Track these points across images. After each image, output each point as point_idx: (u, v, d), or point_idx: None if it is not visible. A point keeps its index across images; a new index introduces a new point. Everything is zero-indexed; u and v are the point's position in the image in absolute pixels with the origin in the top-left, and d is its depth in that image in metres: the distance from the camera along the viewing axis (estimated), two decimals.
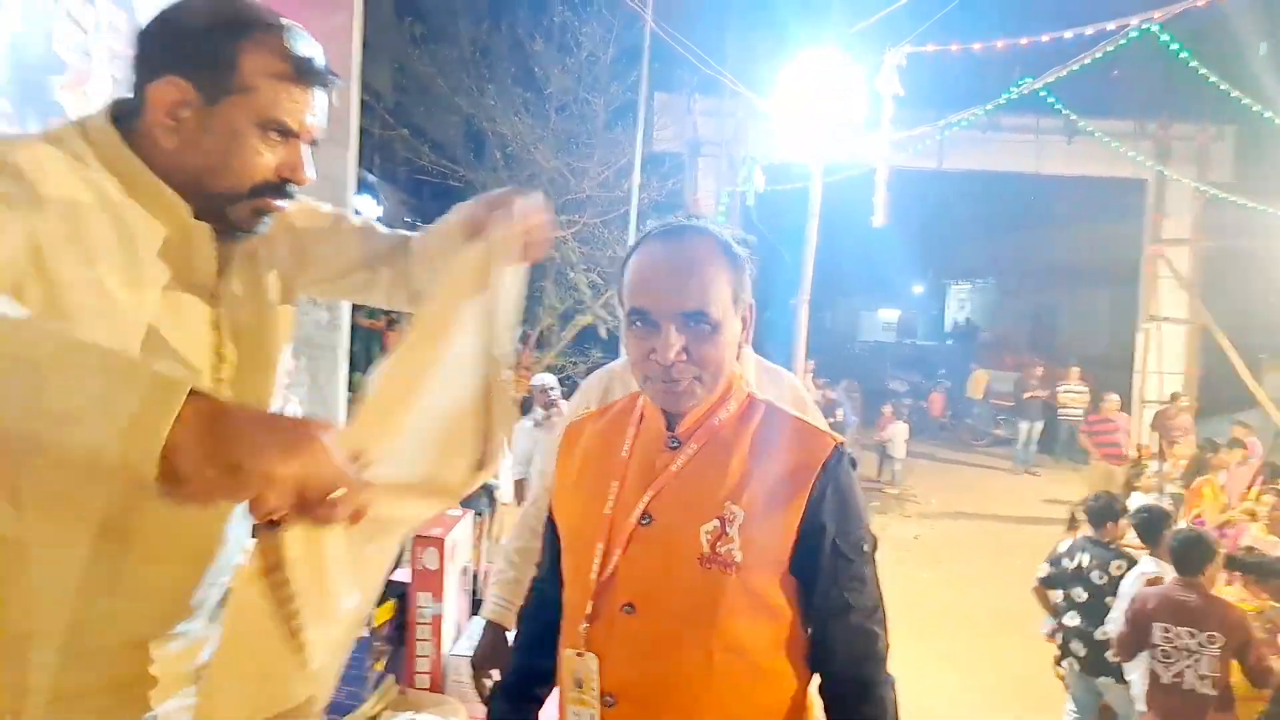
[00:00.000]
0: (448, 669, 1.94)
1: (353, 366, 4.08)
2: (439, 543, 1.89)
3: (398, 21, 12.88)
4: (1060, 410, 13.36)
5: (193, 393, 0.76)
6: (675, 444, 1.24)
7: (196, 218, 1.11)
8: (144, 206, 1.07)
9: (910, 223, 15.29)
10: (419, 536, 1.91)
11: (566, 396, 7.14)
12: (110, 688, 1.09)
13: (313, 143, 1.15)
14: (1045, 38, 8.33)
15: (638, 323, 1.20)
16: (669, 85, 13.35)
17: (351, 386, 4.04)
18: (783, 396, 1.61)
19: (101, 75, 3.12)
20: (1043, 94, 9.50)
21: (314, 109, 1.13)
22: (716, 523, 1.17)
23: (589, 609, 1.23)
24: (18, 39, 2.65)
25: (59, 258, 0.96)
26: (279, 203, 1.15)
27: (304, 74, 1.10)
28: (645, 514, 1.22)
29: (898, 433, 12.13)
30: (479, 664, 1.83)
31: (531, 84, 12.29)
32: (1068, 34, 8.07)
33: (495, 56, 12.47)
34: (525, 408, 7.95)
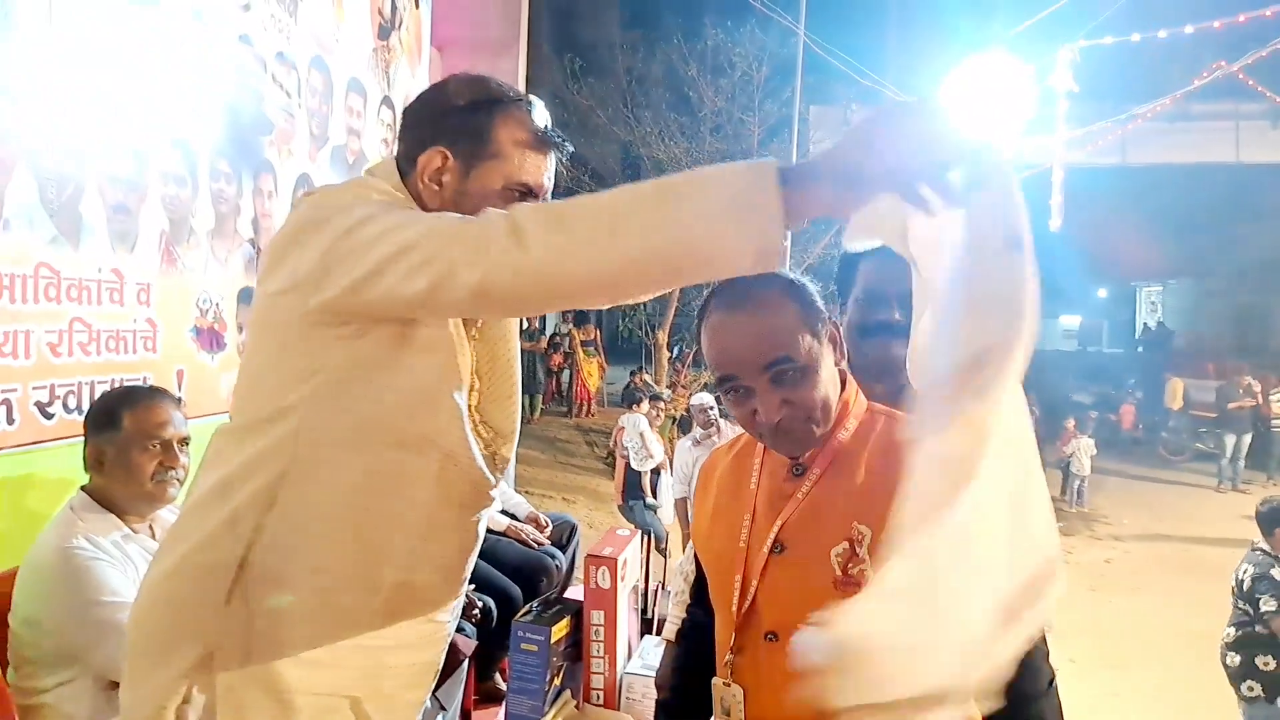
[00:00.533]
0: (621, 686, 2.00)
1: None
2: (611, 562, 1.96)
3: (557, 58, 13.41)
4: (1273, 421, 12.17)
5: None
6: (799, 470, 1.24)
7: None
8: None
9: (1091, 223, 14.35)
10: (591, 556, 1.99)
11: (724, 415, 7.16)
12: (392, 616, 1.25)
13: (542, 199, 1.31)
14: (1242, 18, 7.67)
15: (730, 391, 1.19)
16: (825, 98, 13.21)
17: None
18: None
19: (303, 134, 3.46)
20: (1242, 76, 8.72)
21: (548, 170, 1.29)
22: (845, 544, 1.16)
23: (733, 640, 1.24)
24: (232, 104, 2.98)
25: None
26: None
27: (543, 141, 1.27)
28: (777, 543, 1.22)
29: (1081, 448, 11.37)
30: (661, 684, 1.87)
31: (686, 108, 12.48)
32: (1268, 13, 7.40)
33: (650, 84, 12.76)
34: (685, 426, 8.00)
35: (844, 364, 1.23)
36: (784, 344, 1.14)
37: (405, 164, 1.27)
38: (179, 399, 2.04)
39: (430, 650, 1.33)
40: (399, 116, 4.35)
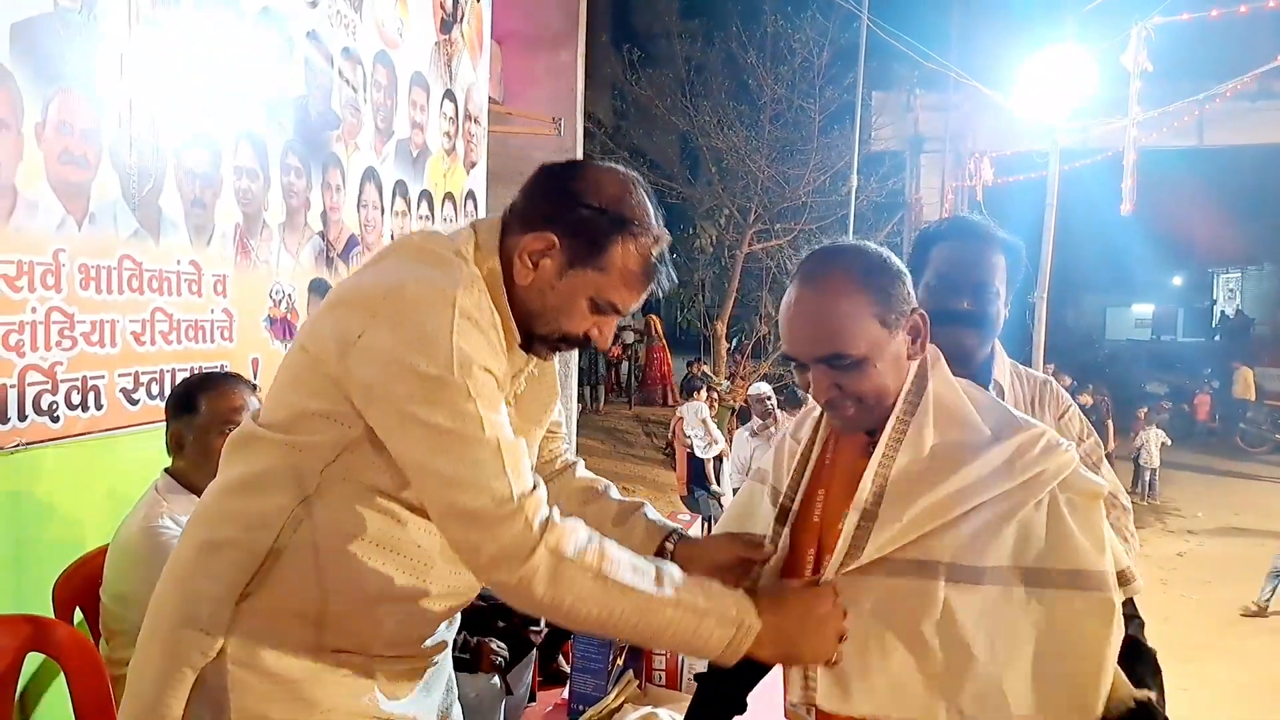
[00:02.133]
0: (683, 667, 2.02)
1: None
2: None
3: (615, 49, 13.43)
4: None
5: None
6: (874, 449, 1.24)
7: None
8: (499, 317, 1.23)
9: (1165, 208, 13.85)
10: None
11: (782, 406, 7.12)
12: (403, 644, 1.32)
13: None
14: None
15: (793, 365, 1.24)
16: (887, 83, 13.00)
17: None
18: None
19: (368, 127, 3.54)
20: None
21: (640, 299, 1.28)
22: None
23: None
24: (301, 100, 3.07)
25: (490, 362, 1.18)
26: (573, 349, 1.31)
27: (650, 277, 1.25)
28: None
29: (1150, 439, 11.03)
30: None
31: (745, 96, 12.39)
32: None
33: (709, 73, 12.69)
34: (743, 417, 7.98)
35: (923, 353, 1.24)
36: (839, 338, 1.16)
37: (516, 223, 1.25)
38: (254, 384, 2.11)
39: (435, 653, 1.37)
40: (460, 109, 4.42)
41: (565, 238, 1.21)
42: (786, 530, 1.31)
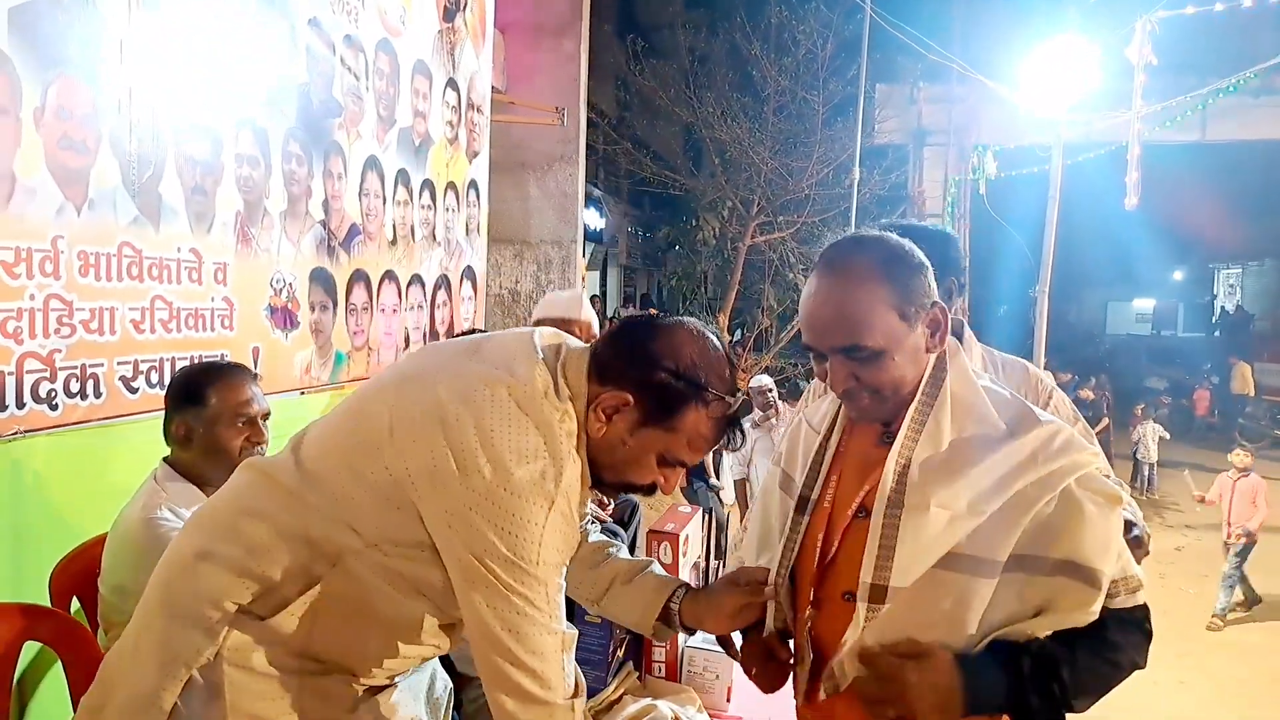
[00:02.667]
0: (683, 659, 2.02)
1: None
2: (674, 538, 1.98)
3: (619, 39, 13.37)
4: None
5: None
6: (888, 439, 1.25)
7: None
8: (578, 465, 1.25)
9: (1168, 203, 13.80)
10: (653, 531, 2.01)
11: (784, 398, 7.11)
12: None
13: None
14: None
15: (811, 354, 1.25)
16: (890, 76, 12.94)
17: None
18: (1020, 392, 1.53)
19: (370, 116, 3.52)
20: None
21: (708, 453, 1.34)
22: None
23: (812, 595, 1.29)
24: (303, 88, 3.05)
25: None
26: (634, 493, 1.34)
27: (719, 437, 1.29)
28: (861, 507, 1.24)
29: (1147, 433, 11.01)
30: None
31: (749, 88, 12.33)
32: None
33: (713, 64, 12.62)
34: (744, 409, 7.94)
35: (942, 346, 1.24)
36: (857, 330, 1.16)
37: (600, 373, 1.26)
38: (257, 374, 2.10)
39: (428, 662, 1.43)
40: (463, 98, 4.40)
41: (641, 398, 1.23)
42: (805, 519, 1.32)
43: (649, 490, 1.32)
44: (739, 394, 1.29)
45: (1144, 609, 1.18)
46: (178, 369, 2.27)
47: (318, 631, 1.22)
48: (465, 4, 4.39)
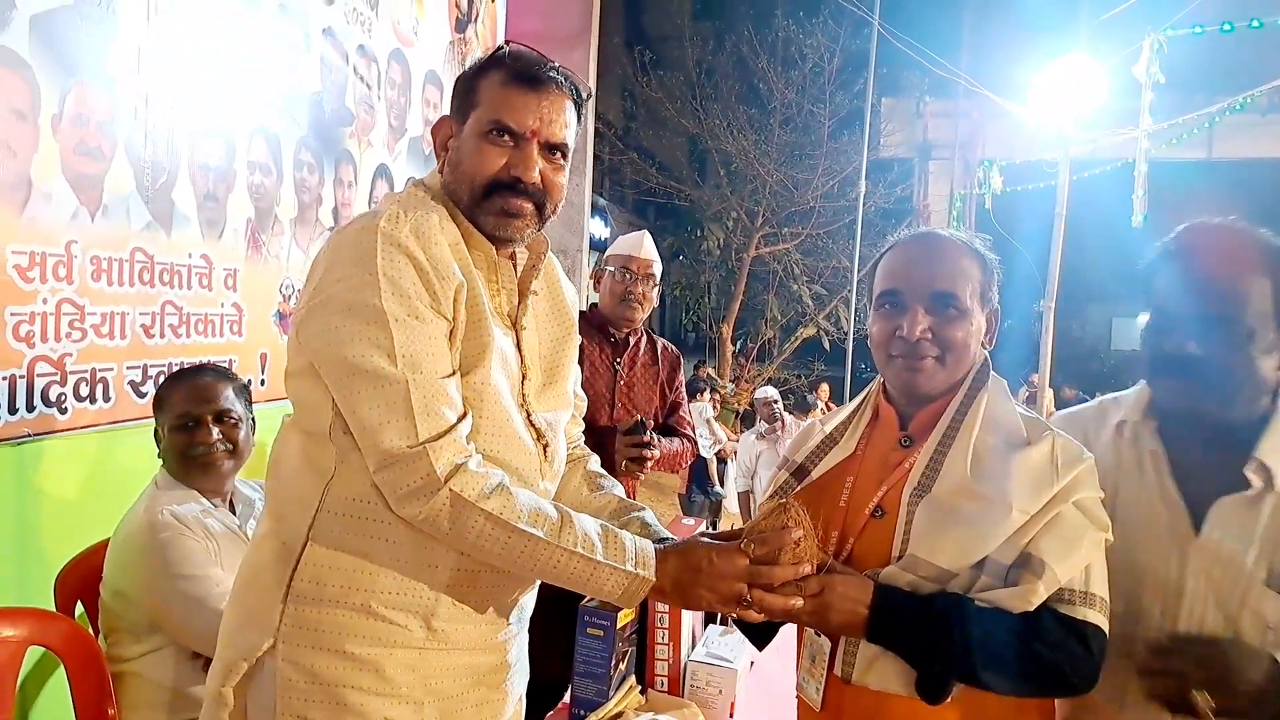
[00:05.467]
0: (685, 673, 2.01)
1: None
2: None
3: (627, 51, 13.42)
4: None
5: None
6: (908, 442, 1.30)
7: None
8: (472, 249, 1.27)
9: (1175, 219, 13.69)
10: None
11: (789, 409, 7.10)
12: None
13: (552, 148, 1.27)
14: None
15: (886, 305, 1.29)
16: (896, 90, 12.98)
17: None
18: None
19: (382, 125, 3.54)
20: None
21: (540, 114, 1.25)
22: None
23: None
24: (315, 96, 3.07)
25: (464, 309, 1.22)
26: (516, 200, 1.26)
27: (520, 78, 1.25)
28: (879, 507, 1.27)
29: None
30: None
31: (755, 100, 12.38)
32: None
33: (720, 76, 12.68)
34: (747, 420, 7.95)
35: (988, 348, 1.32)
36: (955, 283, 1.26)
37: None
38: (228, 374, 2.08)
39: (492, 654, 1.33)
40: None
41: (455, 112, 1.30)
42: (797, 485, 1.38)
43: (513, 184, 1.25)
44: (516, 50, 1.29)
45: (1097, 629, 1.17)
46: None
47: (369, 564, 1.22)
48: (477, 15, 4.42)
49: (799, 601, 1.18)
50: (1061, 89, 7.61)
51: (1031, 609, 1.14)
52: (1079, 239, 8.83)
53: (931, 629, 1.15)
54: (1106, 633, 1.18)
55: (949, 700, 1.18)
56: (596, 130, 7.29)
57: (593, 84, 6.54)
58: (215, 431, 1.92)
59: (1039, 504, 1.17)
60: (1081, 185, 8.95)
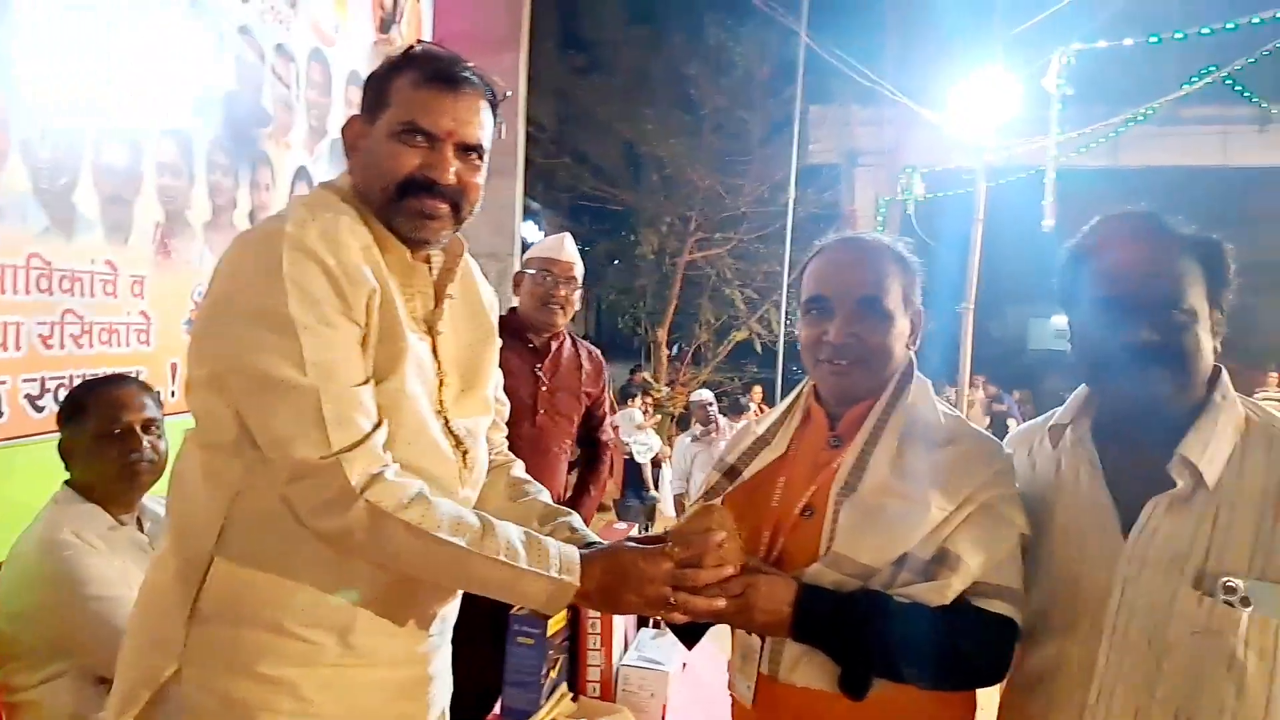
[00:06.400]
0: (618, 678, 2.00)
1: None
2: None
3: (560, 55, 13.37)
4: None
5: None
6: (836, 442, 1.32)
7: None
8: (385, 252, 1.23)
9: (1083, 223, 14.19)
10: None
11: (723, 412, 7.15)
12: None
13: (468, 149, 1.25)
14: (1230, 24, 7.75)
15: (813, 310, 1.32)
16: (825, 97, 13.17)
17: None
18: None
19: (301, 126, 3.44)
20: (1228, 82, 8.77)
21: (454, 114, 1.23)
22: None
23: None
24: (230, 96, 2.97)
25: (377, 315, 1.18)
26: (431, 202, 1.23)
27: (434, 79, 1.22)
28: (808, 507, 1.29)
29: None
30: None
31: (688, 106, 12.47)
32: (1256, 18, 7.48)
33: (654, 82, 12.73)
34: (683, 423, 7.98)
35: (913, 350, 1.35)
36: (879, 288, 1.29)
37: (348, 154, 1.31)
38: (146, 384, 1.99)
39: (413, 667, 1.30)
40: None
41: (364, 111, 1.27)
42: (728, 485, 1.39)
43: (428, 185, 1.22)
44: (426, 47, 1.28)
45: (1008, 621, 1.20)
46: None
47: (278, 580, 1.18)
48: (401, 16, 4.34)
49: (722, 603, 1.19)
50: (978, 100, 7.87)
51: (947, 603, 1.17)
52: (996, 243, 9.09)
53: (852, 626, 1.17)
54: (1019, 624, 1.21)
55: (873, 694, 1.19)
56: (529, 133, 7.23)
57: (524, 86, 6.48)
58: (146, 441, 1.85)
59: (956, 501, 1.21)
60: (998, 192, 9.23)
